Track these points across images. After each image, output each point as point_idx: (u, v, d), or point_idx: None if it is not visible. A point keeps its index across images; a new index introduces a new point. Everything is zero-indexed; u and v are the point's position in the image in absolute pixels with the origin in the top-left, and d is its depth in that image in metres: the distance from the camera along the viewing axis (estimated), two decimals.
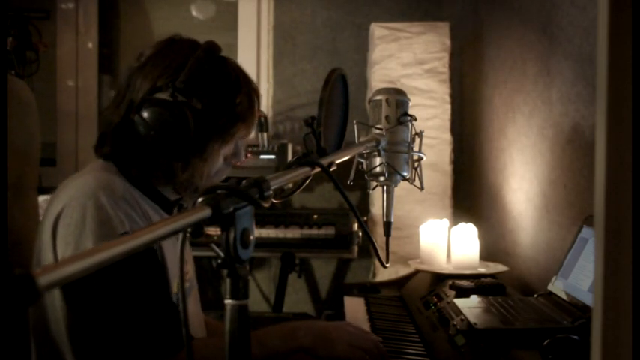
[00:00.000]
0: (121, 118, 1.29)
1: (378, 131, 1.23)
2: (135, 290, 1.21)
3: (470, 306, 1.54)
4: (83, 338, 1.24)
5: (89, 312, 1.22)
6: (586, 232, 1.53)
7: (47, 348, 1.27)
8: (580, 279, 1.47)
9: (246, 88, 1.34)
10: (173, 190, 1.36)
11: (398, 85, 2.05)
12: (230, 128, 1.32)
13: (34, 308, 1.27)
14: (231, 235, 0.69)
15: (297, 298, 3.30)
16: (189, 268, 1.45)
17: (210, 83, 1.28)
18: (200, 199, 0.69)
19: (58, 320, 1.25)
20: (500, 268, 2.01)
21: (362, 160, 1.24)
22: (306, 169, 0.94)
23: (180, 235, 0.67)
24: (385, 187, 1.23)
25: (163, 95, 1.24)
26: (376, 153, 1.21)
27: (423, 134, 1.28)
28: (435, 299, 1.75)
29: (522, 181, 2.12)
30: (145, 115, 1.24)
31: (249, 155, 2.88)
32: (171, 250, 1.30)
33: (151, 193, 1.34)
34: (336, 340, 1.32)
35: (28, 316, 1.31)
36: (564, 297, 1.50)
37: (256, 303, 3.27)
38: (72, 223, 1.21)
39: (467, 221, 2.11)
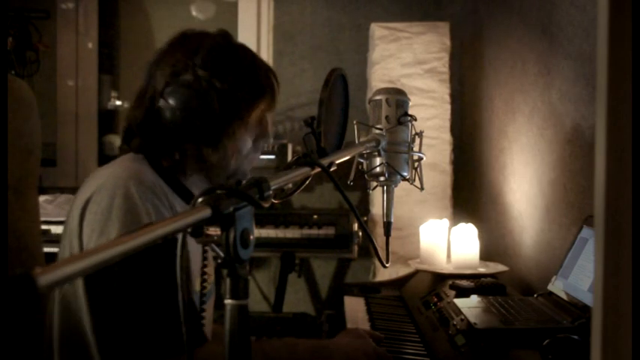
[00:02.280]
0: (145, 110, 1.32)
1: (378, 131, 1.22)
2: (151, 287, 1.21)
3: (470, 306, 1.54)
4: (102, 329, 1.25)
5: (107, 305, 1.23)
6: (586, 232, 1.53)
7: (73, 337, 1.28)
8: (580, 279, 1.47)
9: (262, 64, 1.38)
10: (206, 178, 1.37)
11: (398, 85, 2.05)
12: (252, 101, 1.34)
13: (64, 299, 1.28)
14: (231, 235, 0.69)
15: (297, 298, 3.30)
16: (212, 272, 1.44)
17: (227, 60, 1.31)
18: (200, 199, 0.69)
19: (81, 313, 1.25)
20: (500, 268, 2.01)
21: (362, 160, 1.24)
22: (306, 169, 0.94)
23: (181, 236, 0.68)
24: (385, 187, 1.23)
25: (185, 77, 1.27)
26: (376, 153, 1.21)
27: (423, 134, 1.28)
28: (435, 299, 1.75)
29: (522, 181, 2.12)
30: (170, 98, 1.27)
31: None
32: (194, 247, 1.30)
33: (179, 189, 1.35)
34: (333, 357, 1.34)
35: (45, 313, 1.32)
36: (564, 297, 1.50)
37: (256, 303, 3.27)
38: (99, 210, 1.22)
39: (467, 221, 2.11)
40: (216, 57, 1.30)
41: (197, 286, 1.29)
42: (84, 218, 1.24)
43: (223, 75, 1.29)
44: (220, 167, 1.34)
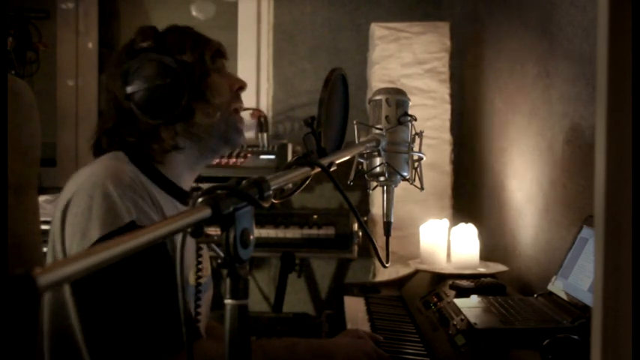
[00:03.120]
0: (116, 113, 1.35)
1: (378, 131, 1.22)
2: (143, 285, 1.21)
3: (470, 306, 1.54)
4: (93, 330, 1.24)
5: (95, 306, 1.22)
6: (586, 232, 1.53)
7: (63, 338, 1.27)
8: (580, 279, 1.47)
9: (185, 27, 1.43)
10: (198, 145, 1.38)
11: (398, 85, 2.05)
12: (202, 47, 1.37)
13: (53, 300, 1.28)
14: (231, 235, 0.69)
15: (297, 298, 3.30)
16: (207, 266, 1.45)
17: (159, 32, 1.37)
18: (200, 199, 0.69)
19: (70, 313, 1.25)
20: (500, 268, 2.01)
21: (362, 160, 1.24)
22: (306, 169, 0.94)
23: (181, 236, 0.68)
24: (385, 187, 1.23)
25: (133, 62, 1.31)
26: (376, 153, 1.21)
27: (423, 134, 1.28)
28: (435, 299, 1.75)
29: (522, 181, 2.12)
30: (132, 86, 1.30)
31: (249, 155, 2.88)
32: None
33: (162, 182, 1.35)
34: (334, 357, 1.34)
35: (38, 313, 1.32)
36: (564, 297, 1.50)
37: (256, 303, 3.27)
38: (79, 212, 1.22)
39: (467, 221, 2.11)
40: (149, 34, 1.35)
41: (191, 280, 1.29)
42: (65, 220, 1.24)
43: (163, 41, 1.34)
44: (210, 123, 1.35)
